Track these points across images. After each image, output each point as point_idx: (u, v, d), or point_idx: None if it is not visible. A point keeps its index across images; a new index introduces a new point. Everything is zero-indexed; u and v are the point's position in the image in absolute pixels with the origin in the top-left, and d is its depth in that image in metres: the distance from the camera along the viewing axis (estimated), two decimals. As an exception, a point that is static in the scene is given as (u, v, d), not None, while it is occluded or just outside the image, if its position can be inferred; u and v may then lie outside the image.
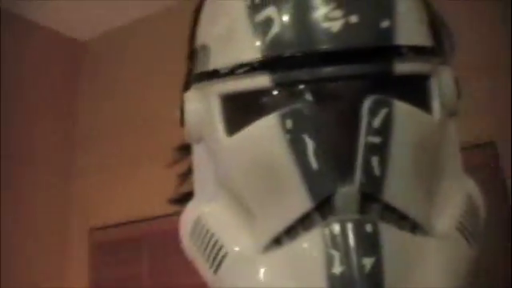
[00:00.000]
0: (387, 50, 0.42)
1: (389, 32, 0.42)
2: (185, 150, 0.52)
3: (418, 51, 0.44)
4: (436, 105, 0.45)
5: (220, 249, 0.44)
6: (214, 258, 0.44)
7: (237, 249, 0.43)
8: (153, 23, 2.47)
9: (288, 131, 0.41)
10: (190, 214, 0.48)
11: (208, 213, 0.46)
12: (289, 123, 0.41)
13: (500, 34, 2.28)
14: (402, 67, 0.42)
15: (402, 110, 0.41)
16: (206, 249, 0.45)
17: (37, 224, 2.33)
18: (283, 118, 0.41)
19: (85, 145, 2.62)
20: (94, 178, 2.51)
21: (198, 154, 0.48)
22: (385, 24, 0.42)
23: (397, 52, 0.42)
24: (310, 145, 0.40)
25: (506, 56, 2.65)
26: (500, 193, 2.15)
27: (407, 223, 0.41)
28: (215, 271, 0.44)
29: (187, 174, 0.52)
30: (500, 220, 2.05)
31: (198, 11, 0.51)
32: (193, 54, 0.50)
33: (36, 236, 2.30)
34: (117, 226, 2.47)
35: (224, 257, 0.43)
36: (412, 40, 0.43)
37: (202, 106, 0.46)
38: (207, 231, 0.45)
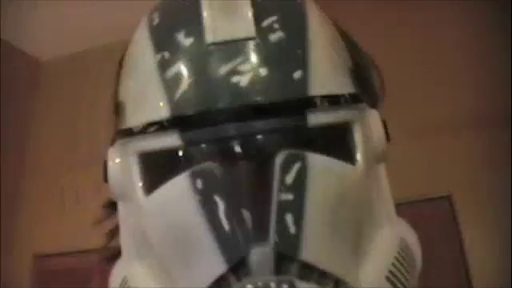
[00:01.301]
0: (300, 102, 0.40)
1: (301, 83, 0.41)
2: (112, 206, 0.50)
3: (334, 100, 0.42)
4: (359, 153, 0.43)
5: None
6: None
7: None
8: (114, 51, 2.49)
9: (198, 191, 0.39)
10: (117, 272, 0.47)
11: (132, 273, 0.45)
12: (199, 183, 0.39)
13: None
14: (317, 118, 0.41)
15: (317, 163, 0.40)
16: None
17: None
18: (193, 177, 0.40)
19: (34, 170, 2.59)
20: (43, 206, 2.49)
21: (123, 211, 0.47)
22: (297, 75, 0.41)
23: (310, 103, 0.40)
24: (221, 205, 0.39)
25: (466, 115, 2.69)
26: (455, 244, 2.26)
27: (329, 280, 0.39)
28: None
29: (116, 231, 0.50)
30: (457, 273, 2.12)
31: (120, 65, 0.50)
32: (116, 108, 0.49)
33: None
34: (64, 254, 2.45)
35: None
36: (327, 89, 0.42)
37: (123, 164, 0.45)
38: None
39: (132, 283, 0.44)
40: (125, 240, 0.47)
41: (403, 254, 0.44)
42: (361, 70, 0.48)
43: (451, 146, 2.68)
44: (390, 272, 0.43)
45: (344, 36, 0.49)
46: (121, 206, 0.47)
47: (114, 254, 0.49)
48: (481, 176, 2.62)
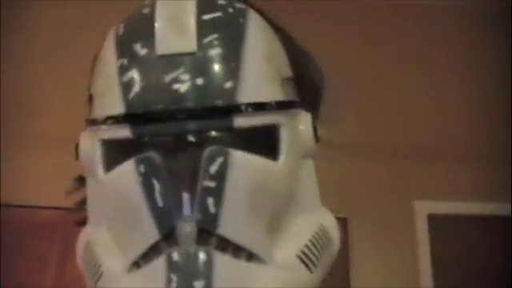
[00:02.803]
0: (227, 108, 0.48)
1: (231, 92, 0.48)
2: (82, 180, 0.59)
3: (258, 107, 0.49)
4: (282, 152, 0.51)
5: (99, 267, 0.51)
6: (94, 275, 0.52)
7: (109, 268, 0.51)
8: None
9: (141, 174, 0.48)
10: (82, 237, 0.56)
11: (94, 237, 0.54)
12: (141, 168, 0.48)
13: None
14: (242, 121, 0.48)
15: (238, 158, 0.48)
16: (90, 266, 0.53)
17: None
18: (138, 163, 0.48)
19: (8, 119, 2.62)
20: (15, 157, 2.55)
21: (89, 186, 0.56)
22: (228, 85, 0.48)
23: (236, 109, 0.48)
24: (157, 186, 0.47)
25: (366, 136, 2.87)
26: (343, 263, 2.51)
27: (243, 253, 0.47)
28: (94, 285, 0.52)
29: (83, 202, 0.59)
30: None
31: (95, 59, 0.58)
32: (90, 99, 0.57)
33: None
34: (33, 207, 2.59)
35: (101, 275, 0.51)
36: (254, 98, 0.49)
37: (91, 146, 0.53)
38: (92, 253, 0.53)
39: (93, 246, 0.53)
40: (90, 209, 0.56)
41: (318, 236, 0.52)
42: (299, 78, 0.56)
43: (363, 171, 2.84)
44: (302, 252, 0.50)
45: (288, 44, 0.57)
46: (88, 181, 0.56)
47: (82, 221, 0.58)
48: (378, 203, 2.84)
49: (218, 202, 0.47)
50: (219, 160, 0.47)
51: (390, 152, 2.94)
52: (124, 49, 0.51)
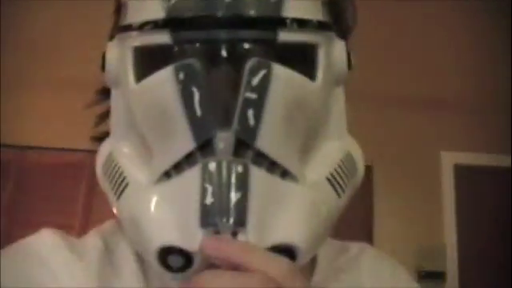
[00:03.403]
0: (272, 20, 0.47)
1: (277, 5, 0.47)
2: (105, 93, 0.56)
3: (302, 24, 0.48)
4: (320, 72, 0.49)
5: (123, 179, 0.50)
6: (118, 187, 0.50)
7: (136, 179, 0.49)
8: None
9: (180, 82, 0.46)
10: (104, 149, 0.54)
11: (118, 149, 0.52)
12: (181, 75, 0.46)
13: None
14: (285, 36, 0.47)
15: (280, 72, 0.46)
16: (113, 179, 0.51)
17: None
18: (177, 70, 0.46)
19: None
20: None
21: (115, 98, 0.53)
22: None
23: (281, 22, 0.47)
24: (197, 95, 0.45)
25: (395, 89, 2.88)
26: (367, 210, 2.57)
27: (277, 169, 0.46)
28: (118, 198, 0.50)
29: (106, 115, 0.56)
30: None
31: None
32: (118, 8, 0.55)
33: None
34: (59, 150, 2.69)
35: (126, 186, 0.49)
36: (299, 13, 0.48)
37: (119, 55, 0.51)
38: (116, 164, 0.51)
39: (116, 158, 0.52)
40: (114, 122, 0.54)
41: (346, 162, 0.52)
42: (334, 4, 0.54)
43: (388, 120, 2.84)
44: (331, 174, 0.50)
45: None
46: (114, 92, 0.53)
47: (102, 137, 0.56)
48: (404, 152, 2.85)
49: (258, 115, 0.45)
50: (262, 72, 0.46)
51: (418, 102, 2.91)
52: None
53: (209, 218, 0.43)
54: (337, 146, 0.53)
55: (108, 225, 0.59)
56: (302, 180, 0.48)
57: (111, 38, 0.54)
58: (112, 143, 0.54)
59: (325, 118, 0.52)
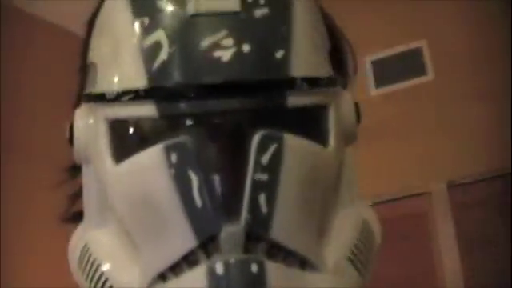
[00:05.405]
0: (280, 82, 0.40)
1: (283, 63, 0.40)
2: (75, 169, 0.48)
3: (313, 82, 0.42)
4: (332, 136, 0.43)
5: (105, 282, 0.41)
6: None
7: (121, 284, 0.41)
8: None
9: (172, 165, 0.39)
10: (77, 239, 0.46)
11: (94, 241, 0.44)
12: (173, 157, 0.39)
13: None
14: (296, 100, 0.41)
15: (293, 144, 0.40)
16: (91, 280, 0.42)
17: None
18: (168, 150, 0.39)
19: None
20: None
21: (87, 176, 0.45)
22: (279, 54, 0.40)
23: (290, 84, 0.40)
24: (195, 181, 0.38)
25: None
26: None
27: (295, 260, 0.40)
28: None
29: (78, 195, 0.48)
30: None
31: (91, 22, 0.48)
32: (83, 67, 0.48)
33: None
34: None
35: None
36: (307, 71, 0.42)
37: (91, 126, 0.44)
38: (94, 261, 0.43)
39: (94, 252, 0.43)
40: (87, 205, 0.45)
41: (365, 234, 0.45)
42: (337, 52, 0.48)
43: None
44: (352, 253, 0.43)
45: (324, 16, 0.49)
46: (85, 170, 0.45)
47: (75, 218, 0.48)
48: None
49: (271, 200, 0.39)
50: (272, 147, 0.39)
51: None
52: (143, 4, 0.42)
53: None
54: (351, 215, 0.45)
55: None
56: (322, 267, 0.41)
57: (77, 103, 0.47)
58: (86, 232, 0.45)
59: (338, 186, 0.45)
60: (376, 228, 0.47)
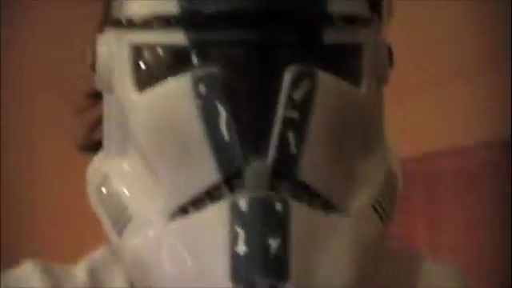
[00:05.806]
0: (318, 17, 0.39)
1: None
2: (97, 96, 0.47)
3: (351, 20, 0.40)
4: (365, 76, 0.42)
5: (124, 210, 0.41)
6: (118, 220, 0.41)
7: (141, 212, 0.40)
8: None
9: (200, 96, 0.37)
10: (97, 167, 0.45)
11: (115, 169, 0.43)
12: (202, 88, 0.37)
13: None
14: (332, 37, 0.39)
15: (326, 82, 0.39)
16: (111, 209, 0.42)
17: None
18: (196, 81, 0.38)
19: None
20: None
21: (108, 104, 0.44)
22: None
23: (328, 20, 0.39)
24: (223, 114, 0.37)
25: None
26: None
27: (319, 201, 0.39)
28: (119, 234, 0.41)
29: (98, 123, 0.47)
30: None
31: None
32: None
33: None
34: None
35: (128, 220, 0.40)
36: (345, 8, 0.40)
37: (115, 52, 0.42)
38: (113, 188, 0.42)
39: (115, 182, 0.43)
40: (107, 134, 0.44)
41: (389, 182, 0.45)
42: None
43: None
44: (377, 200, 0.42)
45: None
46: (107, 98, 0.44)
47: (94, 146, 0.47)
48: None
49: (300, 138, 0.38)
50: (305, 84, 0.38)
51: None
52: None
53: (242, 271, 0.35)
54: (378, 163, 0.45)
55: (99, 253, 0.51)
56: (345, 211, 0.40)
57: (101, 29, 0.45)
58: (106, 160, 0.44)
59: (367, 130, 0.44)
60: (400, 178, 0.47)
